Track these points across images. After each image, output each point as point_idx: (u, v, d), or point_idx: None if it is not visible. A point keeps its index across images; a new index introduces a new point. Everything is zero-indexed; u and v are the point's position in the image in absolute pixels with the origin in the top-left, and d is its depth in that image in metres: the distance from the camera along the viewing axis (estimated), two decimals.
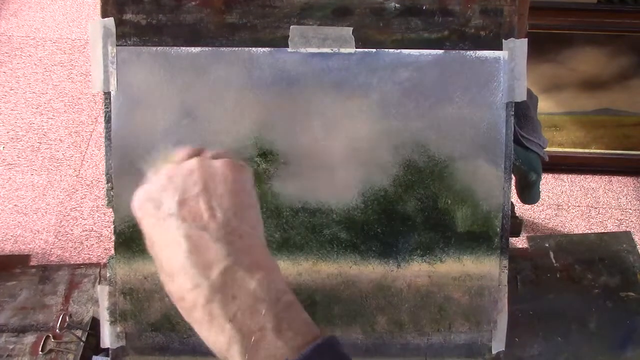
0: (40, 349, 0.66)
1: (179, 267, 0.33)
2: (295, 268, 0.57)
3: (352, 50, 0.56)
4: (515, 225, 0.72)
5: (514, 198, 0.89)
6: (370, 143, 0.57)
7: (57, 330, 0.68)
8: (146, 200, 0.36)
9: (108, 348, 0.58)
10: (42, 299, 0.71)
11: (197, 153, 0.40)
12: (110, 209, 0.57)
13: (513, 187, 0.68)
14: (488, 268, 0.58)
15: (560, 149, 1.45)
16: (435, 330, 0.59)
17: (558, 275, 0.73)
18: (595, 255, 0.75)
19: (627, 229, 1.38)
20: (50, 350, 0.66)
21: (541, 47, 1.30)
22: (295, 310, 0.33)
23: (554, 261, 0.75)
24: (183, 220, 0.34)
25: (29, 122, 1.61)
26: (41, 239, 1.40)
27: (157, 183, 0.36)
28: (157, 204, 0.35)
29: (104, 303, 0.57)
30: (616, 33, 1.29)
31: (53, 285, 0.73)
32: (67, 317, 0.68)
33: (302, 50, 0.56)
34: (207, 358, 0.59)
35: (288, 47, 0.56)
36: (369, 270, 0.58)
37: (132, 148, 0.56)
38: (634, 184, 1.50)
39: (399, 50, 0.56)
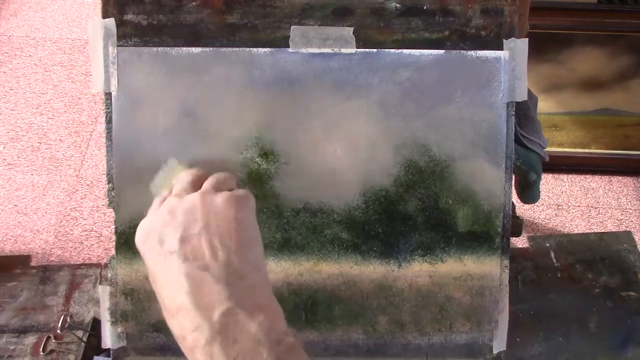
0: (41, 350, 0.66)
1: (180, 307, 0.33)
2: (297, 268, 0.57)
3: (353, 50, 0.56)
4: (516, 225, 0.72)
5: (514, 198, 0.89)
6: (371, 143, 0.57)
7: (58, 331, 0.68)
8: (149, 235, 0.36)
9: (109, 348, 0.58)
10: (42, 299, 0.71)
11: (200, 178, 0.39)
12: (111, 209, 0.57)
13: (513, 187, 0.68)
14: (489, 268, 0.58)
15: (560, 149, 1.45)
16: (436, 330, 0.59)
17: (559, 275, 0.73)
18: (595, 255, 0.75)
19: (627, 229, 1.38)
20: (51, 351, 0.66)
21: (541, 47, 1.30)
22: (296, 353, 0.33)
23: (554, 261, 0.75)
24: (184, 259, 0.34)
25: (29, 122, 1.61)
26: (41, 239, 1.40)
27: (159, 217, 0.36)
28: (159, 239, 0.35)
29: (105, 303, 0.57)
30: (616, 33, 1.29)
31: (54, 285, 0.72)
32: (68, 318, 0.68)
33: (303, 50, 0.56)
34: None
35: (289, 47, 0.56)
36: (370, 270, 0.58)
37: (133, 148, 0.56)
38: (634, 184, 1.50)
39: (399, 50, 0.56)
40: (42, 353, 0.66)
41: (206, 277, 0.33)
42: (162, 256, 0.34)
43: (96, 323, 0.67)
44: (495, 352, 0.59)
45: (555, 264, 0.74)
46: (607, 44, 1.30)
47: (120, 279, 0.57)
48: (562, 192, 1.49)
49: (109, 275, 0.57)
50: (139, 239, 0.37)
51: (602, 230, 1.41)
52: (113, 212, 0.57)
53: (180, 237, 0.34)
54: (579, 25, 1.28)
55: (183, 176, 0.39)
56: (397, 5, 0.56)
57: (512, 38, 0.56)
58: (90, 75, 0.56)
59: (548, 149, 0.83)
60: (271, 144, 0.56)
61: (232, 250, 0.35)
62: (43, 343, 0.66)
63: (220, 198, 0.37)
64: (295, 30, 0.56)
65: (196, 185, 0.38)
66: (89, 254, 1.38)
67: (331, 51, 0.56)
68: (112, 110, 0.56)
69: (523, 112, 0.76)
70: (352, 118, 0.56)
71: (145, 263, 0.36)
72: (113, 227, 0.57)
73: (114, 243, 0.57)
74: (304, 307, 0.58)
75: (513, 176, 0.61)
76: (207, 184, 0.38)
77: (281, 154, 0.56)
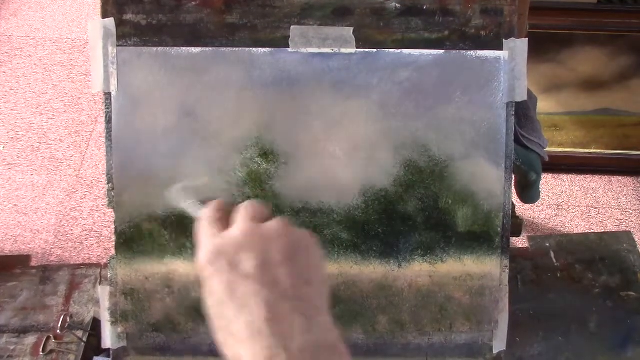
0: (41, 350, 0.66)
1: (254, 333, 0.31)
2: None
3: (353, 50, 0.56)
4: (516, 225, 0.72)
5: (514, 198, 0.89)
6: (371, 143, 0.57)
7: (58, 331, 0.68)
8: (219, 256, 0.34)
9: (109, 349, 0.58)
10: (42, 299, 0.71)
11: (262, 212, 0.38)
12: (111, 209, 0.57)
13: (513, 187, 0.68)
14: (489, 268, 0.58)
15: (560, 149, 1.45)
16: (436, 330, 0.59)
17: (558, 275, 0.73)
18: (595, 255, 0.75)
19: (627, 229, 1.38)
20: (51, 351, 0.66)
21: (541, 47, 1.30)
22: None
23: (554, 261, 0.75)
24: (263, 285, 0.33)
25: (29, 122, 1.61)
26: (41, 239, 1.40)
27: (232, 240, 0.35)
28: (231, 262, 0.34)
29: (105, 303, 0.57)
30: (616, 33, 1.29)
31: (54, 285, 0.72)
32: (68, 318, 0.68)
33: (303, 50, 0.56)
34: (208, 358, 0.59)
35: (288, 47, 0.56)
36: (369, 270, 0.58)
37: (133, 148, 0.56)
38: (634, 184, 1.50)
39: (399, 50, 0.56)
40: (42, 353, 0.66)
41: (286, 306, 0.32)
42: (236, 279, 0.33)
43: (96, 323, 0.67)
44: (495, 352, 0.59)
45: (555, 264, 0.74)
46: (607, 44, 1.30)
47: (120, 279, 0.57)
48: (562, 192, 1.49)
49: (108, 275, 0.57)
50: (206, 259, 0.35)
51: (602, 230, 1.41)
52: (113, 212, 0.57)
53: (260, 263, 0.34)
54: (579, 25, 1.28)
55: (249, 205, 0.39)
56: (397, 5, 0.56)
57: (512, 38, 0.56)
58: (90, 75, 0.56)
59: (548, 149, 0.83)
60: (271, 144, 0.56)
61: (314, 285, 0.34)
62: (43, 343, 0.66)
63: (303, 233, 0.37)
64: (294, 30, 0.56)
65: (259, 217, 0.38)
66: (89, 254, 1.38)
67: (331, 51, 0.56)
68: (112, 110, 0.56)
69: (523, 112, 0.76)
70: (351, 118, 0.56)
71: (208, 284, 0.35)
72: (113, 227, 0.57)
73: (114, 243, 0.57)
74: None
75: (513, 176, 0.61)
76: (282, 219, 0.38)
77: (281, 154, 0.56)
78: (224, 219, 0.38)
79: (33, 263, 0.77)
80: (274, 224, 0.36)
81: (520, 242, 1.20)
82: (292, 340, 0.31)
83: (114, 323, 0.58)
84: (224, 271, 0.34)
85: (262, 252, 0.34)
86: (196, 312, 0.57)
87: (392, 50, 0.56)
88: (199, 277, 0.36)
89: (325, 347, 0.32)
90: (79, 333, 0.67)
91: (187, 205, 0.42)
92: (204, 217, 0.38)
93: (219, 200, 0.40)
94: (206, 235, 0.37)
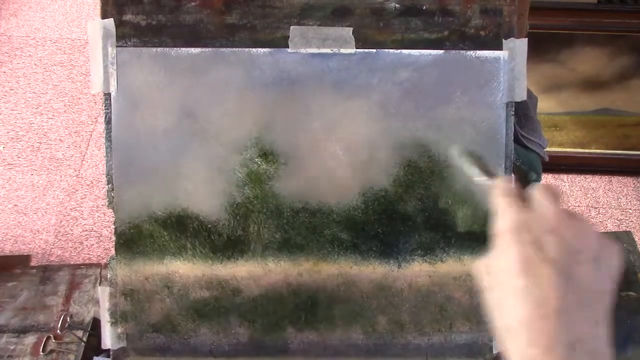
0: (41, 350, 0.66)
1: (538, 316, 0.32)
2: (296, 268, 0.58)
3: (352, 50, 0.56)
4: None
5: None
6: (371, 143, 0.57)
7: (58, 331, 0.68)
8: (526, 229, 0.34)
9: (109, 349, 0.58)
10: (42, 299, 0.71)
11: (563, 203, 0.38)
12: (111, 209, 0.57)
13: None
14: None
15: (560, 149, 1.45)
16: (436, 330, 0.59)
17: None
18: None
19: (627, 229, 1.38)
20: (51, 351, 0.66)
21: (541, 47, 1.30)
22: None
23: None
24: (560, 276, 0.33)
25: (29, 122, 1.62)
26: (41, 239, 1.40)
27: (542, 219, 0.35)
28: (537, 240, 0.34)
29: (105, 304, 0.57)
30: (616, 33, 1.29)
31: (54, 285, 0.73)
32: (68, 318, 0.68)
33: (302, 50, 0.56)
34: (208, 359, 0.59)
35: (288, 47, 0.56)
36: (369, 270, 0.58)
37: (133, 148, 0.56)
38: (634, 184, 1.50)
39: (399, 51, 0.56)
40: (42, 353, 0.66)
41: (574, 306, 0.33)
42: (535, 256, 0.33)
43: (96, 323, 0.67)
44: (495, 352, 0.59)
45: None
46: (607, 44, 1.30)
47: (120, 279, 0.57)
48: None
49: (108, 276, 0.57)
50: (511, 227, 0.35)
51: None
52: (113, 213, 0.57)
53: (565, 253, 0.34)
54: (579, 25, 1.28)
55: (551, 188, 0.38)
56: (397, 5, 0.56)
57: (512, 38, 0.56)
58: (90, 75, 0.56)
59: (548, 149, 0.83)
60: (271, 144, 0.56)
61: (601, 294, 0.35)
62: (43, 343, 0.66)
63: (610, 244, 0.36)
64: (294, 31, 0.56)
65: (561, 203, 0.37)
66: (89, 254, 1.38)
67: (330, 51, 0.56)
68: (112, 110, 0.56)
69: (523, 112, 0.75)
70: (351, 118, 0.56)
71: (502, 250, 0.35)
72: (113, 227, 0.57)
73: (113, 243, 0.57)
74: (303, 307, 0.58)
75: (513, 176, 0.61)
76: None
77: (281, 154, 0.56)
78: (521, 196, 0.37)
79: (33, 263, 0.77)
80: (586, 221, 0.35)
81: None
82: (571, 339, 0.31)
83: (113, 324, 0.58)
84: (525, 244, 0.33)
85: (570, 243, 0.34)
86: (196, 312, 0.58)
87: (391, 51, 0.56)
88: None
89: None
90: (79, 333, 0.67)
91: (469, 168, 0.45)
92: (503, 187, 0.38)
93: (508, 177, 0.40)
94: (509, 205, 0.36)
